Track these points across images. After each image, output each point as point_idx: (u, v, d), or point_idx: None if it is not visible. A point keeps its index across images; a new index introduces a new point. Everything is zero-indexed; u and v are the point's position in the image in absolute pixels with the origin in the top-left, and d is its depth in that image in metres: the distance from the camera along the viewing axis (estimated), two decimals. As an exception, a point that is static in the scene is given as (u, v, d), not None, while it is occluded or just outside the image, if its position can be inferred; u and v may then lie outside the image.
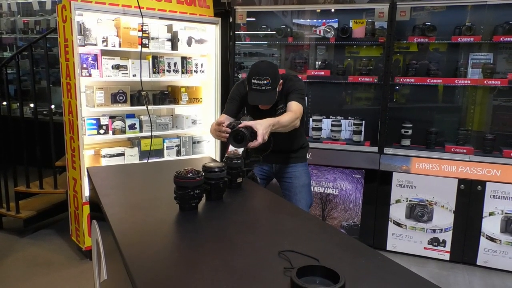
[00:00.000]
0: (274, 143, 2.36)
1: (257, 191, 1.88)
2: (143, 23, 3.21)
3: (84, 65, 3.09)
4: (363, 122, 3.49)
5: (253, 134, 2.04)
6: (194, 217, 1.47)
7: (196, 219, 1.46)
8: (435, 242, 3.18)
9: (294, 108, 2.22)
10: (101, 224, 1.74)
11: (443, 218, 3.14)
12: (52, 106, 3.64)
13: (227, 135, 2.05)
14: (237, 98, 2.46)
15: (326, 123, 3.63)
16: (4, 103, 3.79)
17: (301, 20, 3.80)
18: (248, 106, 2.46)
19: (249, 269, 1.10)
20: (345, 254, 1.21)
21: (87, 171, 2.04)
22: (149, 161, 3.38)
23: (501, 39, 3.03)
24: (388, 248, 3.31)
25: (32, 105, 3.84)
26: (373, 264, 1.16)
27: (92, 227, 1.99)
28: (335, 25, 3.55)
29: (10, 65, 3.81)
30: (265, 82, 2.15)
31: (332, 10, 3.62)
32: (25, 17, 6.01)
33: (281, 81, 2.26)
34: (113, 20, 3.23)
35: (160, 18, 3.38)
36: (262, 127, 1.94)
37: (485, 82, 3.13)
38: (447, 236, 3.15)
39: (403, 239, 3.27)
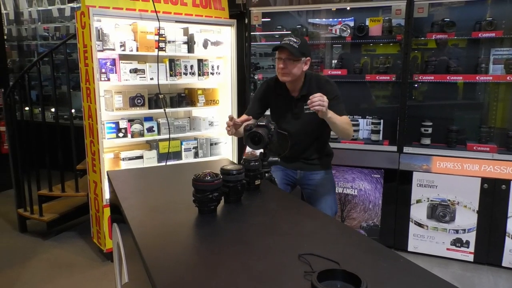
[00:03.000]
0: (299, 149, 2.38)
1: (276, 193, 1.87)
2: (159, 27, 3.24)
3: (103, 70, 3.13)
4: (381, 121, 3.45)
5: (270, 135, 2.04)
6: (213, 220, 1.48)
7: (215, 222, 1.47)
8: (458, 243, 3.11)
9: (348, 121, 2.30)
10: (122, 227, 1.76)
11: (466, 218, 3.07)
12: (73, 111, 3.71)
13: (233, 129, 2.13)
14: (261, 97, 2.46)
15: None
16: (27, 108, 3.88)
17: (317, 19, 3.77)
18: (272, 105, 2.46)
19: (269, 272, 1.09)
20: (366, 257, 1.19)
21: (107, 174, 2.07)
22: (167, 163, 3.41)
23: (524, 33, 2.95)
24: (409, 249, 3.26)
25: (53, 109, 3.92)
26: (395, 267, 1.14)
27: (113, 230, 2.02)
28: (351, 24, 3.51)
29: (32, 71, 3.90)
30: (295, 40, 2.22)
31: (348, 9, 3.59)
32: (45, 24, 6.15)
33: (308, 58, 2.29)
34: (130, 25, 3.27)
35: (176, 21, 3.41)
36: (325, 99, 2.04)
37: (508, 78, 3.04)
38: (471, 237, 3.07)
39: (425, 240, 3.21)
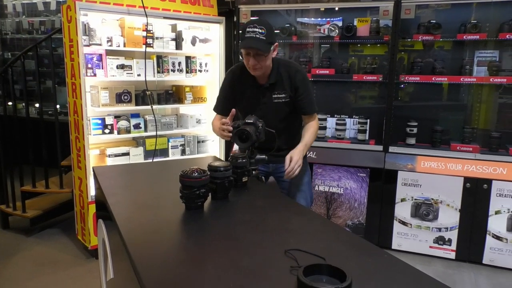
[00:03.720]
0: (268, 140, 2.29)
1: (263, 190, 1.88)
2: (147, 23, 3.22)
3: (89, 65, 3.10)
4: (368, 120, 3.49)
5: (258, 133, 2.04)
6: (200, 216, 1.48)
7: (202, 218, 1.47)
8: (440, 240, 3.17)
9: (315, 125, 2.27)
10: (107, 223, 1.74)
11: (449, 216, 3.13)
12: (58, 106, 3.66)
13: (230, 134, 2.06)
14: (227, 91, 2.33)
15: (331, 122, 3.63)
16: (10, 103, 3.81)
17: (305, 18, 3.79)
18: (238, 95, 2.29)
19: (256, 267, 1.10)
20: (351, 253, 1.21)
21: (93, 170, 2.05)
22: (154, 160, 3.39)
23: (507, 36, 3.01)
24: (393, 247, 3.31)
25: (37, 105, 3.85)
26: (380, 262, 1.16)
27: (98, 226, 2.00)
28: (340, 24, 3.54)
29: (15, 66, 3.83)
30: (261, 30, 2.02)
31: (336, 9, 3.62)
32: (30, 18, 6.04)
33: (276, 43, 2.12)
34: (117, 20, 3.24)
35: (165, 17, 3.39)
36: (297, 155, 2.06)
37: (491, 80, 3.11)
38: (453, 235, 3.14)
39: (408, 238, 3.26)
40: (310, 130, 2.24)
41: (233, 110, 2.14)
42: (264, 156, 2.14)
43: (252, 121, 2.05)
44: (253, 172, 2.05)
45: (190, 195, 1.48)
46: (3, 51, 6.27)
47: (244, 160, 1.81)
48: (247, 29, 2.05)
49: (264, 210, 1.58)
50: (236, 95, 2.31)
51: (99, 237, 2.02)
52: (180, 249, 1.27)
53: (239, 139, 2.01)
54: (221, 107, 2.36)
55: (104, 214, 1.73)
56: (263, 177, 2.35)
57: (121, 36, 3.23)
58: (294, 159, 2.05)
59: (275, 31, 3.65)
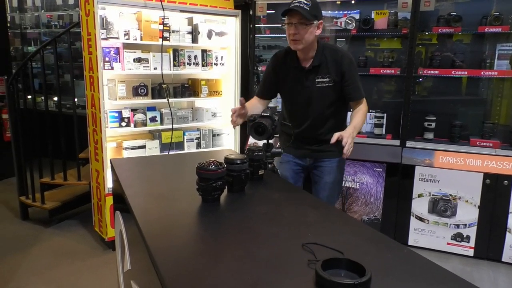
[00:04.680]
0: (310, 128, 2.26)
1: (279, 183, 1.87)
2: (164, 16, 3.23)
3: (107, 59, 3.13)
4: (385, 115, 3.44)
5: (274, 126, 2.03)
6: (216, 208, 1.48)
7: (218, 211, 1.47)
8: (458, 237, 3.12)
9: (364, 109, 2.20)
10: (125, 215, 1.76)
11: (467, 213, 3.07)
12: (76, 100, 3.71)
13: (235, 120, 2.05)
14: (269, 73, 2.28)
15: (347, 116, 3.58)
16: (29, 96, 3.87)
17: (322, 11, 3.73)
18: (281, 78, 2.26)
19: (274, 260, 1.10)
20: (369, 247, 1.19)
21: (111, 162, 2.07)
22: (170, 153, 3.41)
23: (531, 29, 2.93)
24: (410, 243, 3.27)
25: (56, 98, 3.91)
26: (399, 257, 1.14)
27: (115, 218, 2.02)
28: (357, 17, 3.49)
29: (34, 59, 3.88)
30: (306, 2, 2.01)
31: (353, 2, 3.56)
32: (48, 12, 6.12)
33: (321, 21, 2.09)
34: (134, 14, 3.25)
35: (181, 11, 3.39)
36: (347, 135, 1.91)
37: (513, 73, 3.03)
38: (471, 232, 3.08)
39: (426, 234, 3.22)
40: (359, 113, 2.18)
41: (242, 98, 2.10)
42: (280, 150, 2.13)
43: (268, 114, 2.04)
44: (269, 165, 2.04)
45: (207, 188, 1.48)
46: (23, 45, 6.38)
47: (260, 153, 1.80)
48: (293, 1, 2.04)
49: (280, 203, 1.58)
50: (279, 79, 2.27)
51: (116, 229, 2.05)
52: (197, 241, 1.27)
53: (255, 132, 2.00)
54: (262, 89, 2.33)
55: (122, 206, 1.75)
56: (277, 169, 2.33)
57: (138, 29, 3.25)
58: (345, 135, 1.90)
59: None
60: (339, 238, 1.23)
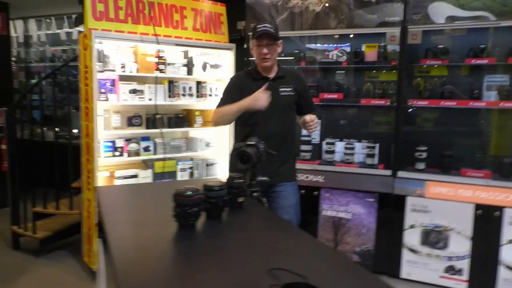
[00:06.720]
0: (274, 143, 2.34)
1: (259, 211, 1.88)
2: (159, 50, 3.33)
3: (103, 90, 3.21)
4: (377, 145, 3.46)
5: (259, 154, 2.06)
6: (191, 234, 1.48)
7: (193, 237, 1.47)
8: (451, 270, 3.05)
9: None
10: (105, 242, 1.76)
11: (460, 245, 3.02)
12: (76, 130, 3.77)
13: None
14: (233, 87, 2.53)
15: (340, 146, 3.61)
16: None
17: (314, 44, 3.84)
18: (245, 91, 2.39)
19: (237, 285, 1.10)
20: (335, 274, 1.19)
21: (96, 190, 2.09)
22: (158, 181, 3.42)
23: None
24: (403, 276, 3.19)
25: (57, 129, 3.98)
26: (361, 283, 1.13)
27: (98, 245, 2.02)
28: (348, 49, 3.58)
29: (36, 92, 4.00)
30: (270, 25, 2.38)
31: (351, 36, 3.64)
32: (53, 47, 6.34)
33: (281, 40, 2.45)
34: (131, 47, 3.36)
35: (177, 45, 3.50)
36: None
37: (500, 104, 3.06)
38: (464, 264, 3.02)
39: (418, 266, 3.15)
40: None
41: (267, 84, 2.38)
42: (265, 178, 2.13)
43: (253, 142, 2.07)
44: (254, 194, 2.05)
45: (182, 214, 1.49)
46: (27, 79, 6.56)
47: (240, 180, 1.81)
48: (258, 26, 2.38)
49: (256, 230, 1.58)
50: (242, 92, 2.43)
51: (99, 257, 2.04)
52: (168, 265, 1.27)
53: (240, 160, 2.02)
54: (225, 100, 2.51)
55: (102, 234, 1.75)
56: (263, 199, 2.33)
57: (134, 62, 3.34)
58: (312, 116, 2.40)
59: (285, 58, 3.74)
60: (307, 264, 1.23)
